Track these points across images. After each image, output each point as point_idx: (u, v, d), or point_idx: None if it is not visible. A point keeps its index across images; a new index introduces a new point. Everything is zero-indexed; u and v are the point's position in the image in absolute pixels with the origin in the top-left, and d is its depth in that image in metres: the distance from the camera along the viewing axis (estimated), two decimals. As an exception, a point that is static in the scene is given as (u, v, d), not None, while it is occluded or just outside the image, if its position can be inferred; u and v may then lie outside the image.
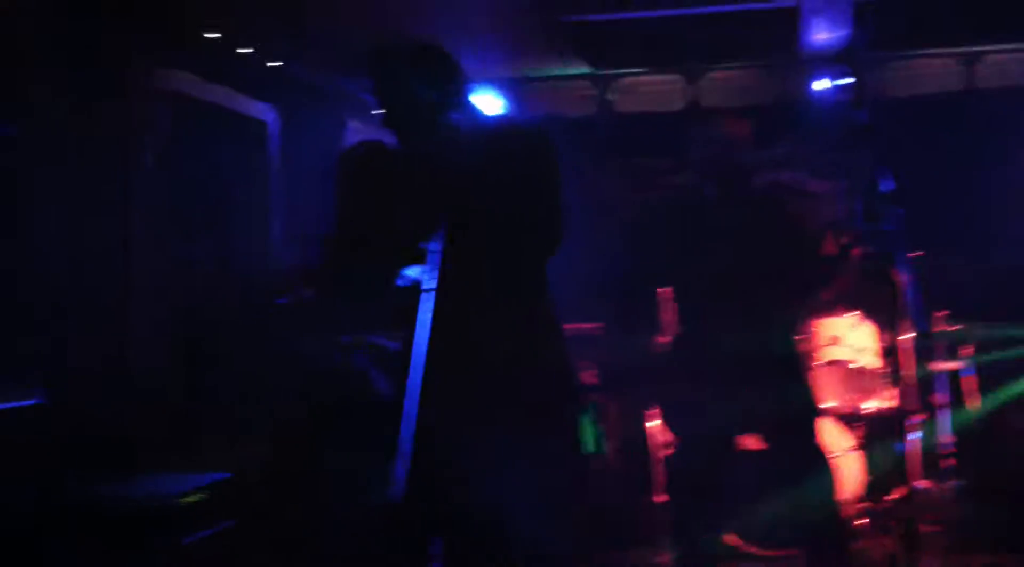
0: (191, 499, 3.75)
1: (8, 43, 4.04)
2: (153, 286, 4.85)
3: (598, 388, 5.36)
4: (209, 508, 3.87)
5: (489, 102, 6.62)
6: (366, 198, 3.06)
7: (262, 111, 5.71)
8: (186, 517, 3.75)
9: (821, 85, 6.84)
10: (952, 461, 5.49)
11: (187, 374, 4.95)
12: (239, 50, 5.29)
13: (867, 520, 5.17)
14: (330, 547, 3.94)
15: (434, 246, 2.66)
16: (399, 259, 2.85)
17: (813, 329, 5.72)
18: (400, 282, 2.81)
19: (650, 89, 7.43)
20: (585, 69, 7.19)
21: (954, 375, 5.75)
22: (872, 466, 5.30)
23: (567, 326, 5.12)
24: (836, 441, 5.18)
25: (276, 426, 4.58)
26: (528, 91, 7.35)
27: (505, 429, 2.86)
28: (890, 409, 5.34)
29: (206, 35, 5.06)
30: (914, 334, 4.07)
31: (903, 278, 4.01)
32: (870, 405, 5.46)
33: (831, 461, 4.43)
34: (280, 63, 5.54)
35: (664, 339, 4.71)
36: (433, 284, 2.61)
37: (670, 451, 4.76)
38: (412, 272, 2.79)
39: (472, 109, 3.05)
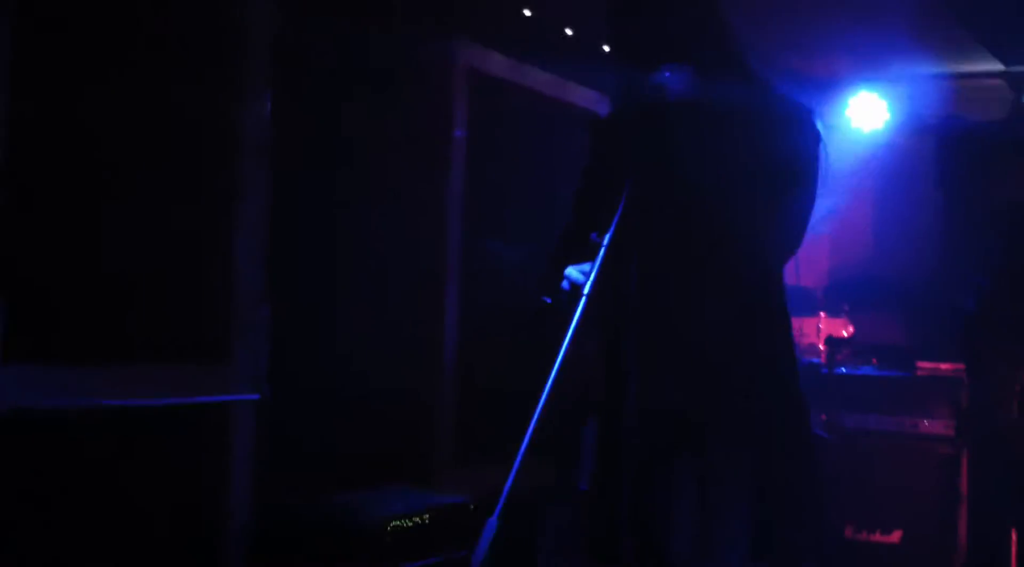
0: (402, 523, 3.29)
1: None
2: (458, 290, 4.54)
3: (950, 440, 4.40)
4: (429, 534, 3.40)
5: (870, 104, 5.77)
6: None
7: (592, 100, 5.18)
8: (398, 542, 3.30)
9: None
10: None
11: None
12: (565, 31, 4.83)
13: None
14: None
15: (607, 238, 2.02)
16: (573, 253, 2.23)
17: None
18: (564, 284, 2.17)
19: (1079, 91, 6.21)
20: (998, 66, 6.18)
21: None
22: None
23: (921, 363, 4.17)
24: None
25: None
26: (927, 91, 6.41)
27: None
28: None
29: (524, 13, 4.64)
30: None
31: None
32: None
33: None
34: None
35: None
36: (588, 289, 1.97)
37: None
38: (573, 272, 2.14)
39: (733, 70, 2.40)
